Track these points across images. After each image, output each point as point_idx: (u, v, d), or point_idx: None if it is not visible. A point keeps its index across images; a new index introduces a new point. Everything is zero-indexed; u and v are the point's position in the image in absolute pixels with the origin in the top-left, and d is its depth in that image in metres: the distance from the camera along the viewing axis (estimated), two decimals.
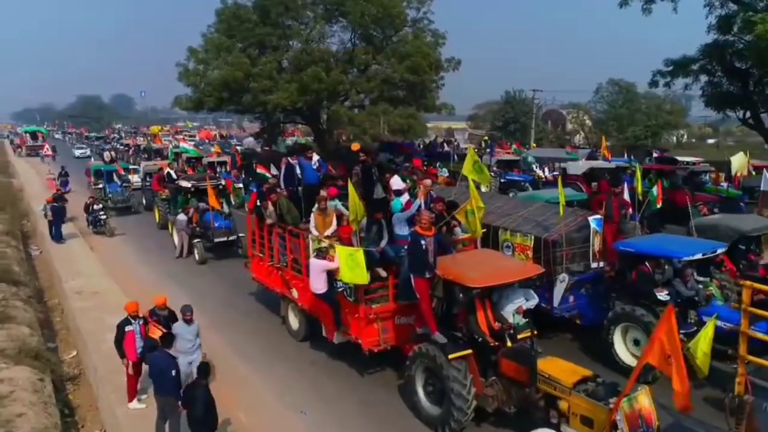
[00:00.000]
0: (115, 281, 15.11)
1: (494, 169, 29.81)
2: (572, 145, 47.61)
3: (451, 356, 7.15)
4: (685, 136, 66.30)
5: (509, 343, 7.34)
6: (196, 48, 31.85)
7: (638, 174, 11.88)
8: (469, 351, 7.26)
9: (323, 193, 9.52)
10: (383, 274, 8.40)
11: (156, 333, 7.72)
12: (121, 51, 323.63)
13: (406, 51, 30.27)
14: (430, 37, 32.85)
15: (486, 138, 37.83)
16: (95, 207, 20.69)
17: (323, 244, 8.69)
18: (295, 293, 10.32)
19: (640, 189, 12.05)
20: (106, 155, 31.32)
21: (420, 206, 8.51)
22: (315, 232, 9.28)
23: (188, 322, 8.02)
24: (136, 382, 8.32)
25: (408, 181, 10.00)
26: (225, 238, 16.88)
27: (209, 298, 13.91)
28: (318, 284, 8.39)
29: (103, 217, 20.53)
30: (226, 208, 17.34)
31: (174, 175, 19.68)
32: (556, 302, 8.90)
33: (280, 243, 10.64)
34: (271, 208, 10.53)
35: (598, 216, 9.58)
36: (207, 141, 55.18)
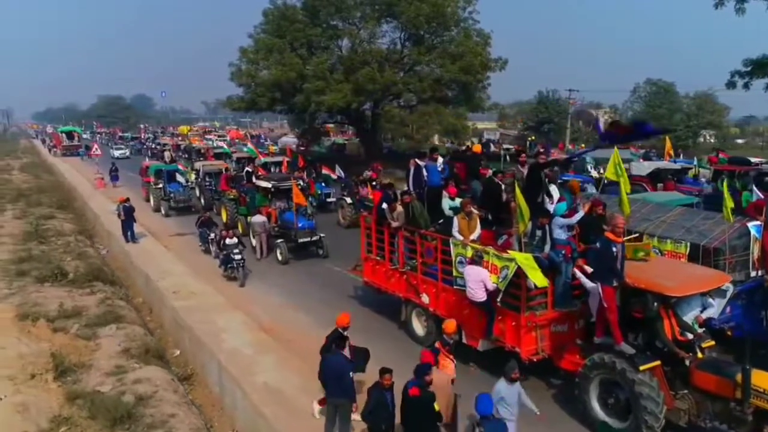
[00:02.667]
0: (205, 282, 15.01)
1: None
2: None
3: (642, 367, 6.88)
4: (714, 137, 65.29)
5: (699, 354, 7.06)
6: (247, 48, 31.88)
7: None
8: (658, 362, 7.00)
9: (459, 199, 9.30)
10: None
11: (448, 364, 7.16)
12: (137, 51, 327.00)
13: (459, 51, 30.03)
14: (476, 37, 32.60)
15: (532, 138, 37.44)
16: (228, 242, 15.11)
17: (475, 250, 8.45)
18: (425, 298, 10.09)
19: None
20: (167, 155, 31.41)
21: (582, 215, 8.29)
22: (459, 237, 9.05)
23: (514, 381, 6.55)
24: None
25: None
26: (309, 239, 16.72)
27: (305, 298, 13.73)
28: (479, 293, 8.18)
29: (238, 257, 14.77)
30: (309, 208, 17.20)
31: (254, 176, 19.52)
32: (717, 313, 8.58)
33: (406, 246, 10.43)
34: (399, 209, 10.32)
35: (758, 222, 9.23)
36: (238, 140, 55.25)
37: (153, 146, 51.24)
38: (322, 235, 17.07)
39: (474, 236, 9.04)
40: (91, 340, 10.62)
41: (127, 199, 19.43)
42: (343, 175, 23.75)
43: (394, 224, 10.39)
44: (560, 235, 8.32)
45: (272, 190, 17.62)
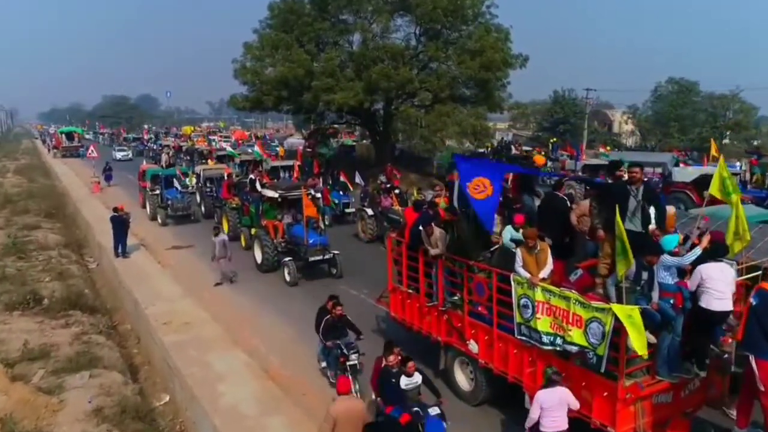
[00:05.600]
0: (202, 307, 12.96)
1: (579, 173, 27.39)
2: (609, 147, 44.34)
3: None
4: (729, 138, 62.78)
5: None
6: (252, 44, 29.87)
7: None
8: None
9: (529, 229, 7.16)
10: (652, 339, 6.03)
11: None
12: (142, 51, 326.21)
13: (478, 47, 27.84)
14: (494, 32, 30.44)
15: (554, 139, 35.31)
16: (405, 383, 6.83)
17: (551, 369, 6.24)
18: (473, 346, 7.99)
19: None
20: (164, 158, 29.40)
21: (699, 253, 6.17)
22: (524, 273, 6.95)
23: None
24: None
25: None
26: (321, 257, 14.63)
27: None
28: (561, 421, 6.02)
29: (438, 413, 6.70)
30: (322, 222, 15.11)
31: (258, 183, 17.39)
32: None
33: (448, 279, 8.35)
34: (437, 233, 8.24)
35: None
36: (243, 141, 53.26)
37: (155, 147, 49.37)
38: (335, 252, 14.97)
39: (545, 273, 6.93)
40: (55, 395, 8.56)
41: (116, 209, 17.34)
42: (363, 182, 21.56)
43: (434, 252, 8.29)
44: (666, 278, 6.21)
45: (279, 200, 15.49)
